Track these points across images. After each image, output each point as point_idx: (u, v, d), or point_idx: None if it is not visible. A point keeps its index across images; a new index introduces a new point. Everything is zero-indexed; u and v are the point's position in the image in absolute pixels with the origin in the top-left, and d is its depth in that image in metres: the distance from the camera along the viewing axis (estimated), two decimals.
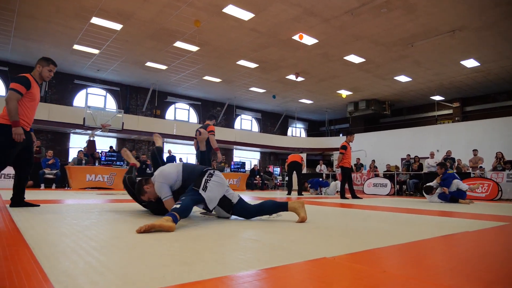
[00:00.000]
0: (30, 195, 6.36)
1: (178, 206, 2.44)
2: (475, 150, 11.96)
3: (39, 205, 3.87)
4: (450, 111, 19.02)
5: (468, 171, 11.49)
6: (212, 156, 7.14)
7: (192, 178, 2.86)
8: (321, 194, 11.02)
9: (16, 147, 3.53)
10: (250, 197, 7.57)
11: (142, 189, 2.95)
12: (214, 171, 2.92)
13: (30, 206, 3.76)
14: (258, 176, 16.60)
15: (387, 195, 12.32)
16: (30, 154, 3.81)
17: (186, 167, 2.99)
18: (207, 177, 2.81)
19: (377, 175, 13.98)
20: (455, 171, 11.51)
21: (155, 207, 3.15)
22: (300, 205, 2.98)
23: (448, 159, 12.24)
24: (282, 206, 3.02)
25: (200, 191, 2.68)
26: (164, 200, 2.82)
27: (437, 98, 18.45)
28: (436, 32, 10.87)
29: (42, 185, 10.31)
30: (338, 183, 11.25)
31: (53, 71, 3.82)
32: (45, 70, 3.73)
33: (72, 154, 15.13)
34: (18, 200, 3.75)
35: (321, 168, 16.50)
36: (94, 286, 1.05)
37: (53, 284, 1.06)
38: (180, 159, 16.71)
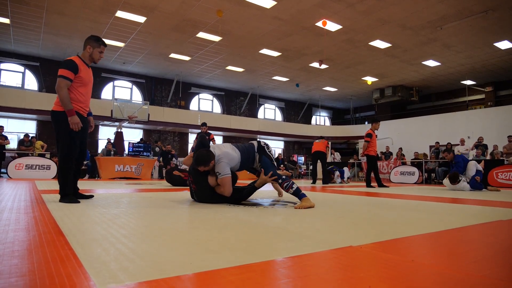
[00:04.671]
0: None
1: (294, 186, 3.15)
2: (510, 137, 11.42)
3: (93, 196, 3.67)
4: (482, 96, 18.21)
5: (501, 158, 11.01)
6: None
7: (247, 163, 3.39)
8: (346, 182, 10.90)
9: (76, 134, 3.23)
10: None
11: (208, 159, 3.15)
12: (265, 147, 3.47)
13: (84, 198, 3.51)
14: (282, 165, 16.57)
15: (414, 183, 12.03)
16: (84, 140, 3.44)
17: (242, 153, 3.35)
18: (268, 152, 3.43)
19: (404, 163, 13.65)
20: (488, 158, 11.07)
21: (207, 195, 3.34)
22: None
23: (480, 146, 11.78)
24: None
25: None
26: (222, 176, 3.14)
27: (468, 82, 17.69)
28: (467, 12, 10.36)
29: None
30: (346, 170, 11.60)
31: (103, 52, 3.41)
32: (95, 51, 3.32)
33: (101, 145, 15.62)
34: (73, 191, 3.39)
35: (334, 156, 15.84)
36: (125, 272, 1.08)
37: (86, 269, 1.10)
38: None
